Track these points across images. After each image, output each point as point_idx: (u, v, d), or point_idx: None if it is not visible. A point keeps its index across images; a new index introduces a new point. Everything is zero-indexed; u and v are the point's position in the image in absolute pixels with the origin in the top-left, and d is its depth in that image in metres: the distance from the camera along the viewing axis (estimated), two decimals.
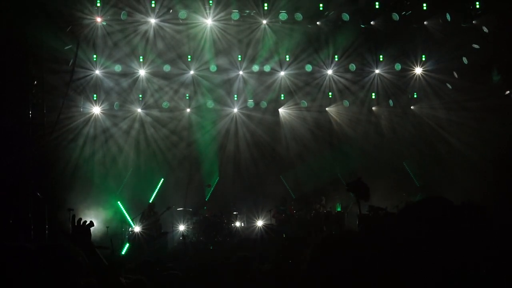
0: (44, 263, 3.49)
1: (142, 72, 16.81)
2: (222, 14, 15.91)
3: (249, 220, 16.80)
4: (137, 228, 15.12)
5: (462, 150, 17.71)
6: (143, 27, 15.96)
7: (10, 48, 13.32)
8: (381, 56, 17.80)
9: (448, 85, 18.09)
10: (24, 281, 3.39)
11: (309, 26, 16.74)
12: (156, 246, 14.60)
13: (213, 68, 17.09)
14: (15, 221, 12.76)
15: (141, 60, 16.68)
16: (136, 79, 16.88)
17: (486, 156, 16.63)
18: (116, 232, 15.46)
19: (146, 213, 15.52)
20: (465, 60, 17.24)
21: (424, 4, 16.46)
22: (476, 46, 16.94)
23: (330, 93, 18.19)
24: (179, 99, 17.56)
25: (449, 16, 16.61)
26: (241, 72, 17.41)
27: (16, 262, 3.42)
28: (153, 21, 15.89)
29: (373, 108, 18.69)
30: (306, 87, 18.05)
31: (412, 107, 18.76)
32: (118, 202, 16.43)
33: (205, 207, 16.95)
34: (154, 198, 16.92)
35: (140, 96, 17.18)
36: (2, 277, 3.39)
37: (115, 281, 3.65)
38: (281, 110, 18.29)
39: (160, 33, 16.17)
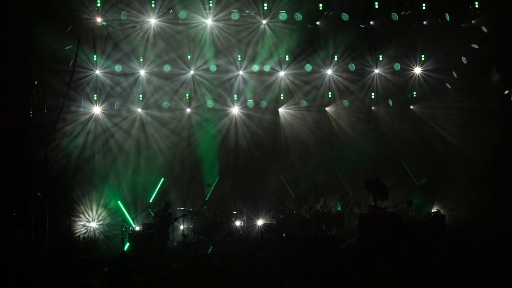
0: (51, 264, 3.56)
1: (142, 72, 16.85)
2: (222, 14, 15.97)
3: (249, 220, 16.83)
4: (137, 228, 15.12)
5: (461, 149, 17.73)
6: (143, 27, 16.00)
7: (11, 48, 13.36)
8: (380, 56, 17.83)
9: (448, 85, 18.12)
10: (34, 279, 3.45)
11: (309, 26, 16.78)
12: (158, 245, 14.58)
13: (213, 68, 17.13)
14: (16, 221, 12.78)
15: (141, 60, 16.72)
16: (136, 79, 16.92)
17: (484, 155, 16.68)
18: (116, 232, 15.49)
19: (160, 212, 15.43)
20: (464, 60, 17.28)
21: (424, 4, 16.50)
22: (475, 46, 16.98)
23: (329, 93, 18.22)
24: (179, 99, 17.57)
25: (448, 16, 16.65)
26: (241, 72, 17.45)
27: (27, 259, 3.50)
28: (153, 21, 15.93)
29: (373, 107, 18.71)
30: (305, 87, 18.07)
31: (411, 107, 18.79)
32: (119, 202, 16.46)
33: (205, 207, 16.96)
34: (155, 198, 16.94)
35: (140, 96, 17.20)
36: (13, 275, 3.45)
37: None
38: (281, 110, 18.31)
39: (160, 33, 16.22)
